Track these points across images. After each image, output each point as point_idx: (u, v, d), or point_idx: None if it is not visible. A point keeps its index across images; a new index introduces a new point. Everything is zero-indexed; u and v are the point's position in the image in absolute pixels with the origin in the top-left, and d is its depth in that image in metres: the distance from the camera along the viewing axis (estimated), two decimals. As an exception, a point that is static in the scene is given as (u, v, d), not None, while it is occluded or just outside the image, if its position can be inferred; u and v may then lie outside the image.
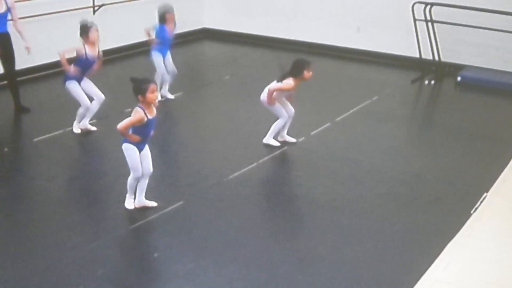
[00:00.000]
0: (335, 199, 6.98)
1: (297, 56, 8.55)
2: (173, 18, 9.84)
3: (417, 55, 11.96)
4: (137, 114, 6.19)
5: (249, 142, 8.45)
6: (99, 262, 5.62)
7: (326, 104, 10.09)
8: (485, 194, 7.03)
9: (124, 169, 6.54)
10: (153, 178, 6.64)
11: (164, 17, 9.75)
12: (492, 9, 10.79)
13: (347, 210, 6.76)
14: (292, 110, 8.20)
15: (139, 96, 6.17)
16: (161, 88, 9.73)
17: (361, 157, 8.10)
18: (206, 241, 6.05)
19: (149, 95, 6.14)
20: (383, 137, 8.94)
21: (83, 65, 8.30)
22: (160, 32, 9.76)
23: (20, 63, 9.37)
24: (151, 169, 6.48)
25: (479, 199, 6.91)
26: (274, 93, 7.98)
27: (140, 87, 6.18)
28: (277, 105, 8.11)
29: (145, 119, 6.18)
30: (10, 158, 7.99)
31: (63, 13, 10.82)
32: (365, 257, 5.85)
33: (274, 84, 7.98)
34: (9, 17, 8.95)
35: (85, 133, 8.52)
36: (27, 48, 8.97)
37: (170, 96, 10.06)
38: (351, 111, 9.76)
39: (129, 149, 6.33)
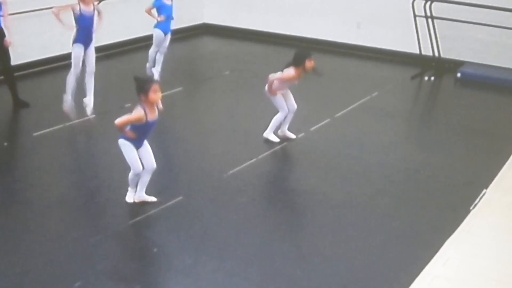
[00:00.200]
0: (334, 195, 6.98)
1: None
2: None
3: (417, 51, 11.95)
4: (137, 113, 6.14)
5: (249, 138, 8.45)
6: (98, 257, 5.63)
7: (326, 100, 10.09)
8: (484, 191, 7.03)
9: (124, 164, 6.53)
10: (152, 173, 6.64)
11: None
12: (492, 6, 10.79)
13: (346, 205, 6.76)
14: (294, 105, 8.18)
15: (141, 95, 6.11)
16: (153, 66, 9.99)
17: (361, 153, 8.10)
18: (206, 236, 6.05)
19: (151, 95, 6.08)
20: (382, 133, 8.94)
21: (82, 23, 8.30)
22: (161, 7, 9.94)
23: (17, 59, 9.34)
24: (154, 165, 6.45)
25: (478, 195, 6.91)
26: (275, 82, 7.96)
27: (142, 86, 6.10)
28: (279, 97, 8.08)
29: (144, 119, 6.14)
30: (9, 152, 7.99)
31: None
32: (365, 252, 5.85)
33: (275, 74, 7.97)
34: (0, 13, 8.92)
35: (84, 126, 8.53)
36: (9, 42, 8.85)
37: (156, 76, 10.12)
38: (351, 107, 9.76)
39: (124, 145, 6.31)
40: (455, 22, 11.46)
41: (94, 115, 8.74)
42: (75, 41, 8.48)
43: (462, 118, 9.67)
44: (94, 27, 8.57)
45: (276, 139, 8.26)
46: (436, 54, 11.91)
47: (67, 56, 8.48)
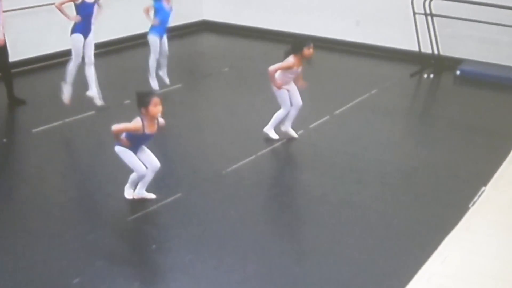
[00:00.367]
0: (333, 192, 6.98)
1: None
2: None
3: (416, 49, 11.94)
4: (135, 123, 6.15)
5: (248, 135, 8.45)
6: (97, 253, 5.63)
7: (325, 97, 10.08)
8: (483, 188, 7.03)
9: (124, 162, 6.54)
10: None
11: None
12: (491, 3, 10.78)
13: (345, 203, 6.76)
14: (299, 101, 8.10)
15: (142, 109, 6.10)
16: (157, 74, 9.80)
17: (360, 150, 8.10)
18: (204, 233, 6.06)
19: (151, 108, 6.07)
20: (381, 130, 8.94)
21: (83, 12, 8.29)
22: (159, 9, 9.66)
23: (14, 56, 9.31)
24: (158, 164, 6.44)
25: (477, 193, 6.91)
26: (278, 72, 7.89)
27: (143, 100, 6.10)
28: (284, 93, 8.00)
29: (141, 131, 6.14)
30: (9, 148, 7.99)
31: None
32: (363, 250, 5.86)
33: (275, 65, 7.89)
34: None
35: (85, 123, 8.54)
36: (1, 40, 8.81)
37: (166, 80, 10.02)
38: (350, 104, 9.76)
39: (122, 152, 6.31)
40: (454, 20, 11.46)
41: (103, 104, 8.70)
42: (74, 30, 8.45)
43: (461, 115, 9.67)
44: (94, 16, 8.54)
45: (276, 136, 8.25)
46: (436, 52, 11.91)
47: (64, 53, 8.48)
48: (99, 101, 8.73)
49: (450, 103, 10.35)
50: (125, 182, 6.54)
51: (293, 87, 8.06)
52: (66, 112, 8.64)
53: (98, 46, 9.16)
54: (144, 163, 6.36)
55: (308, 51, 7.83)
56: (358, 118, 9.29)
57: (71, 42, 8.52)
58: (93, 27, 8.58)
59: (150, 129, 6.20)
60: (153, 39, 9.75)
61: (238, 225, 6.23)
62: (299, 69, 7.95)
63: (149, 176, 6.45)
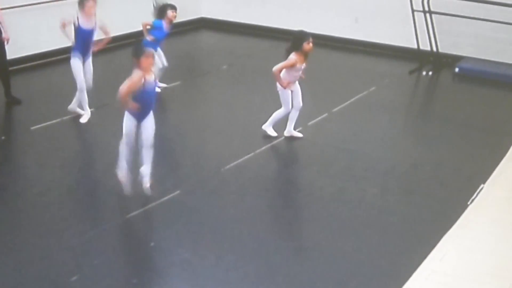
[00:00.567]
0: (332, 189, 6.97)
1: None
2: (174, 18, 9.59)
3: (415, 46, 11.94)
4: (135, 74, 6.24)
5: (247, 132, 8.44)
6: (96, 251, 5.62)
7: (324, 94, 10.07)
8: (482, 185, 7.03)
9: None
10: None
11: (165, 12, 9.48)
12: (490, 0, 10.78)
13: (343, 200, 6.76)
14: (300, 103, 8.07)
15: (134, 59, 6.26)
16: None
17: (358, 147, 8.10)
18: (203, 231, 6.05)
19: (143, 59, 6.21)
20: (380, 127, 8.94)
21: (79, 37, 8.24)
22: (157, 28, 9.46)
23: (11, 53, 9.29)
24: (151, 141, 6.49)
25: (476, 190, 6.91)
26: (283, 72, 7.83)
27: (137, 50, 6.32)
28: (287, 93, 7.94)
29: (143, 80, 6.21)
30: (7, 146, 7.98)
31: (59, 1, 10.76)
32: (362, 247, 5.86)
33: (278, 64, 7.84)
34: None
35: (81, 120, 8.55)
36: (6, 39, 8.83)
37: (163, 85, 9.93)
38: (348, 102, 9.75)
39: (125, 116, 6.40)
40: (453, 17, 11.45)
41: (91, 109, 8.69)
42: (72, 51, 8.35)
43: (460, 113, 9.67)
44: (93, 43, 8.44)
45: (274, 134, 8.24)
46: (434, 49, 11.90)
47: (61, 51, 8.46)
48: (83, 119, 8.63)
49: (449, 101, 10.35)
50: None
51: (296, 88, 8.03)
52: (64, 110, 8.63)
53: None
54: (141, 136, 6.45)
55: (307, 45, 7.80)
56: (357, 116, 9.29)
57: (71, 66, 8.42)
58: (91, 52, 8.44)
59: (149, 77, 6.30)
60: None
61: (236, 223, 6.23)
62: (303, 66, 7.92)
63: (145, 152, 6.52)
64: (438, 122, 9.36)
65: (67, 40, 8.34)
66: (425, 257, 5.58)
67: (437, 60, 11.91)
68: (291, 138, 8.24)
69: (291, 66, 7.81)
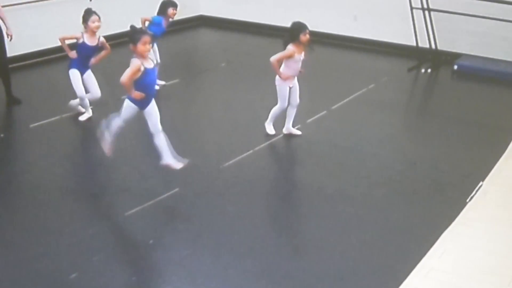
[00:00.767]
0: (330, 187, 6.97)
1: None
2: (173, 15, 9.61)
3: (414, 44, 11.93)
4: (133, 62, 6.21)
5: (245, 130, 8.44)
6: (94, 248, 5.62)
7: (322, 92, 10.07)
8: (481, 183, 7.03)
9: (122, 158, 6.54)
10: (148, 164, 6.62)
11: (167, 9, 9.51)
12: (489, -2, 10.79)
13: (342, 198, 6.76)
14: (297, 100, 8.03)
15: (131, 45, 6.20)
16: None
17: (357, 145, 8.10)
18: (201, 228, 6.05)
19: (140, 46, 6.16)
20: (379, 125, 8.94)
21: (81, 52, 8.25)
22: (156, 24, 9.47)
23: (10, 51, 9.27)
24: (158, 126, 6.56)
25: (475, 188, 6.91)
26: (283, 65, 7.80)
27: (134, 36, 6.20)
28: (286, 89, 7.88)
29: (142, 67, 6.19)
30: (6, 144, 7.97)
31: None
32: (361, 245, 5.86)
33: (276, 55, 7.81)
34: None
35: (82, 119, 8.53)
36: (9, 36, 8.82)
37: (161, 82, 9.93)
38: (347, 99, 9.75)
39: (126, 103, 6.43)
40: (452, 14, 11.44)
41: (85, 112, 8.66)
42: (70, 65, 8.33)
43: (459, 110, 9.67)
44: (93, 58, 8.42)
45: (272, 131, 8.23)
46: (433, 46, 11.90)
47: (61, 48, 8.43)
48: (82, 117, 8.62)
49: (448, 98, 10.35)
50: (124, 178, 6.54)
51: (295, 85, 8.01)
52: (64, 107, 8.62)
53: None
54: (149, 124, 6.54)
55: (304, 37, 7.75)
56: (356, 113, 9.29)
57: (70, 77, 8.42)
58: (88, 67, 8.41)
59: (148, 64, 6.29)
60: None
61: (235, 220, 6.23)
62: (302, 56, 7.90)
63: (158, 141, 6.60)
64: (437, 120, 9.37)
65: (67, 40, 8.33)
66: (424, 255, 5.58)
67: (436, 58, 11.91)
68: (290, 136, 8.24)
69: (289, 57, 7.78)
